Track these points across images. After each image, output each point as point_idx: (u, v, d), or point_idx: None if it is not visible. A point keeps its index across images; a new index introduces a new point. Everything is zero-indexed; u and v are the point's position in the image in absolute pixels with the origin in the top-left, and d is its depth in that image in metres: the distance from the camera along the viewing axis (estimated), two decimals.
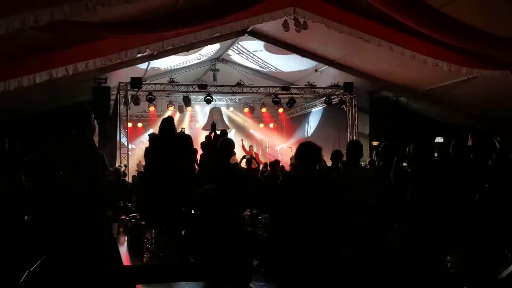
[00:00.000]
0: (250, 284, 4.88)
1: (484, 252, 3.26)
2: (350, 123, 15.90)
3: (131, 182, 11.66)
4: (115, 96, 14.59)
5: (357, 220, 5.59)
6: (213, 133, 10.38)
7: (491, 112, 12.90)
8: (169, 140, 7.14)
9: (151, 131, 14.13)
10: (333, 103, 16.16)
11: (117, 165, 13.33)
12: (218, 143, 6.04)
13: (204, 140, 10.23)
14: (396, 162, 6.27)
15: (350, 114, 15.92)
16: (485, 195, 5.33)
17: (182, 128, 12.89)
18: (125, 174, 12.65)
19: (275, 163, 12.12)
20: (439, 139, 8.48)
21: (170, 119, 7.42)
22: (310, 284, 4.10)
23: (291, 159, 12.49)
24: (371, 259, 4.78)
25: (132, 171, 14.48)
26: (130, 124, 15.96)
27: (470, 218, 5.00)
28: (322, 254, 4.12)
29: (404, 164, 6.43)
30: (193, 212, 6.85)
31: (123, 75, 13.67)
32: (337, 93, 15.82)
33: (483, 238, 4.04)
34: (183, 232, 5.17)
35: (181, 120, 17.99)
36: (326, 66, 14.46)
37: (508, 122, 12.77)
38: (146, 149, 8.27)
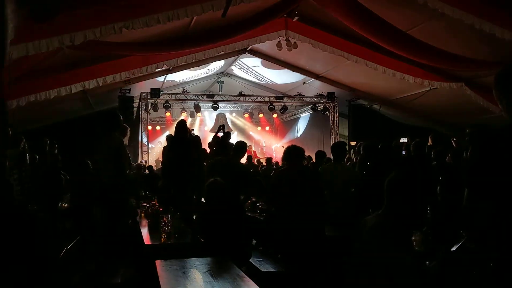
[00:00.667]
0: (250, 260, 4.89)
1: (442, 232, 3.28)
2: (332, 126, 15.92)
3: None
4: (137, 103, 14.63)
5: (339, 206, 5.64)
6: (220, 133, 10.40)
7: (448, 117, 12.94)
8: (183, 139, 7.16)
9: (167, 133, 14.18)
10: (318, 109, 16.16)
11: (139, 162, 13.35)
12: (235, 144, 6.07)
13: (211, 140, 10.24)
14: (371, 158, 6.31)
15: (332, 119, 15.93)
16: (445, 186, 5.32)
17: (192, 129, 12.91)
18: (145, 168, 12.65)
19: (270, 159, 12.19)
20: (403, 139, 8.52)
21: (183, 122, 7.43)
22: (299, 258, 4.12)
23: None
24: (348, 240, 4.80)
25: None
26: (150, 127, 15.97)
27: (432, 205, 5.01)
28: (308, 232, 4.13)
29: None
30: (203, 200, 6.90)
31: (144, 86, 13.69)
32: (322, 101, 15.81)
33: (442, 221, 4.05)
34: (194, 217, 5.19)
35: (192, 124, 17.95)
36: (313, 79, 14.46)
37: (462, 125, 12.79)
38: (164, 148, 8.28)
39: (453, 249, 2.38)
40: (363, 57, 10.26)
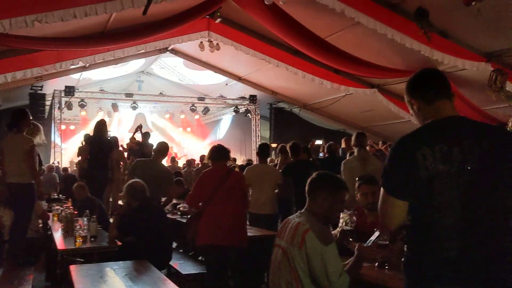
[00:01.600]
0: (170, 263, 4.84)
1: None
2: (254, 128, 16.17)
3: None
4: (50, 101, 13.86)
5: (263, 205, 5.77)
6: (137, 133, 10.19)
7: (362, 121, 13.70)
8: (102, 140, 6.94)
9: (82, 132, 13.60)
10: (240, 111, 16.34)
11: (51, 163, 12.68)
12: (156, 146, 5.97)
13: (129, 141, 10.00)
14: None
15: (254, 121, 16.19)
16: None
17: (109, 130, 12.52)
18: (57, 170, 12.03)
19: (191, 161, 12.16)
20: (319, 142, 8.94)
21: (103, 122, 7.22)
22: (219, 259, 4.15)
23: (200, 158, 12.56)
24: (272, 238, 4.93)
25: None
26: (63, 127, 15.21)
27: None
28: (234, 233, 4.17)
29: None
30: (120, 202, 6.71)
31: (58, 83, 12.99)
32: (244, 103, 16.01)
33: None
34: (111, 220, 5.04)
35: (109, 124, 17.36)
36: (235, 81, 14.57)
37: (375, 127, 13.63)
38: (80, 148, 7.97)
39: (367, 244, 2.55)
40: (284, 61, 10.53)
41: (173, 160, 13.70)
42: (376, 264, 2.88)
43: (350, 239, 3.08)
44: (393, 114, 10.96)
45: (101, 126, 7.24)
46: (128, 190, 4.45)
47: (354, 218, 3.16)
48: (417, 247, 1.85)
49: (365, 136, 6.14)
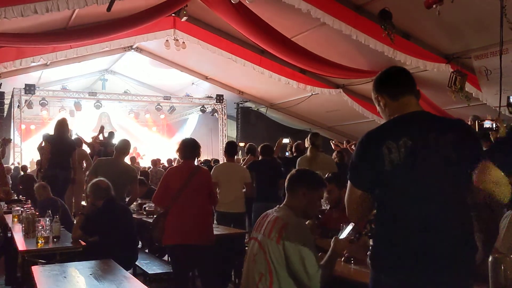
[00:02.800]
0: (136, 263, 4.79)
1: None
2: (221, 128, 16.16)
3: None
4: (9, 100, 13.41)
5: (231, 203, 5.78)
6: (101, 134, 9.99)
7: (328, 120, 13.90)
8: (64, 140, 6.78)
9: (43, 132, 13.19)
10: (206, 111, 16.30)
11: (10, 163, 12.28)
12: (118, 144, 5.85)
13: (92, 141, 9.78)
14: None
15: (221, 121, 16.18)
16: None
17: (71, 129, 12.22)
18: (17, 170, 11.65)
19: (157, 161, 12.01)
20: (285, 140, 9.04)
21: (64, 120, 7.04)
22: (186, 258, 4.12)
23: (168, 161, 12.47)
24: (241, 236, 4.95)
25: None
26: (23, 126, 14.75)
27: None
28: (201, 232, 4.14)
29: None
30: (83, 203, 6.58)
31: (18, 81, 12.61)
32: (210, 103, 15.98)
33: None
34: (74, 220, 4.93)
35: (72, 123, 16.92)
36: (201, 81, 14.54)
37: (340, 128, 13.86)
38: (40, 147, 7.75)
39: (341, 236, 2.61)
40: (251, 61, 10.59)
41: (133, 160, 13.38)
42: (343, 259, 2.94)
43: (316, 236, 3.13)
44: (357, 114, 11.18)
45: (62, 125, 7.06)
46: (92, 189, 4.37)
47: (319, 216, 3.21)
48: (382, 239, 1.90)
49: (317, 136, 6.34)
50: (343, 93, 10.95)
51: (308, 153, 6.18)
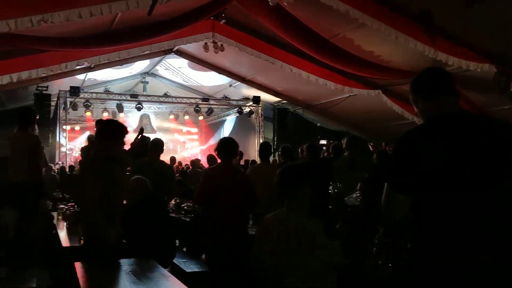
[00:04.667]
0: (174, 261, 4.85)
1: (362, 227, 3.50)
2: (258, 129, 16.19)
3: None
4: (55, 102, 13.91)
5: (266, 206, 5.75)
6: (140, 135, 10.19)
7: (365, 122, 13.67)
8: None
9: (87, 133, 13.62)
10: (244, 112, 16.36)
11: (55, 163, 12.73)
12: (151, 143, 5.95)
13: (133, 142, 9.98)
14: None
15: (257, 122, 16.21)
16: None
17: None
18: (63, 170, 12.06)
19: (196, 161, 12.12)
20: (322, 142, 8.94)
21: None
22: (223, 258, 4.14)
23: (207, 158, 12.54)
24: None
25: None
26: (68, 127, 15.25)
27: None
28: (237, 233, 4.15)
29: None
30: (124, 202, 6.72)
31: (63, 84, 13.06)
32: (247, 104, 16.04)
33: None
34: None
35: None
36: (239, 82, 14.61)
37: (378, 129, 13.60)
38: (82, 148, 8.01)
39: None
40: (288, 63, 10.54)
41: (173, 160, 13.46)
42: (379, 262, 2.88)
43: None
44: (396, 115, 10.93)
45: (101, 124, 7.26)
46: (130, 187, 4.45)
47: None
48: (421, 243, 1.85)
49: (356, 139, 6.25)
50: (382, 94, 10.73)
51: (346, 155, 6.06)
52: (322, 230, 2.49)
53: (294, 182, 2.66)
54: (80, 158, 8.38)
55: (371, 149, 9.87)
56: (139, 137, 9.98)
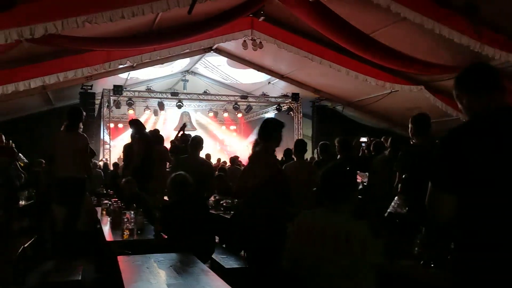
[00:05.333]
0: (213, 256, 4.90)
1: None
2: (296, 127, 16.11)
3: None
4: (99, 100, 14.35)
5: (302, 203, 5.70)
6: (182, 131, 10.35)
7: (408, 118, 13.27)
8: (144, 137, 7.07)
9: (131, 131, 13.91)
10: (282, 109, 16.32)
11: (99, 159, 13.12)
12: (191, 140, 6.02)
13: (174, 138, 10.16)
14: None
15: (296, 119, 16.13)
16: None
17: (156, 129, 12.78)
18: (106, 166, 12.42)
19: (235, 158, 12.18)
20: (363, 139, 8.78)
21: (137, 120, 7.34)
22: (262, 255, 4.14)
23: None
24: None
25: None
26: (112, 125, 15.72)
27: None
28: (274, 230, 4.14)
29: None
30: (165, 198, 6.84)
31: (107, 82, 13.44)
32: (286, 101, 15.99)
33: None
34: (157, 214, 5.14)
35: (156, 122, 17.77)
36: (277, 80, 14.58)
37: None
38: (125, 146, 8.21)
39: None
40: (327, 59, 10.42)
41: (208, 156, 13.45)
42: (422, 262, 2.80)
43: None
44: (440, 112, 10.59)
45: (134, 124, 7.46)
46: (170, 184, 4.53)
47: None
48: (466, 244, 1.78)
49: (399, 140, 6.05)
50: (425, 90, 10.44)
51: (387, 153, 5.90)
52: (370, 233, 2.43)
53: (341, 187, 2.57)
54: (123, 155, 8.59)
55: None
56: (180, 134, 10.16)
